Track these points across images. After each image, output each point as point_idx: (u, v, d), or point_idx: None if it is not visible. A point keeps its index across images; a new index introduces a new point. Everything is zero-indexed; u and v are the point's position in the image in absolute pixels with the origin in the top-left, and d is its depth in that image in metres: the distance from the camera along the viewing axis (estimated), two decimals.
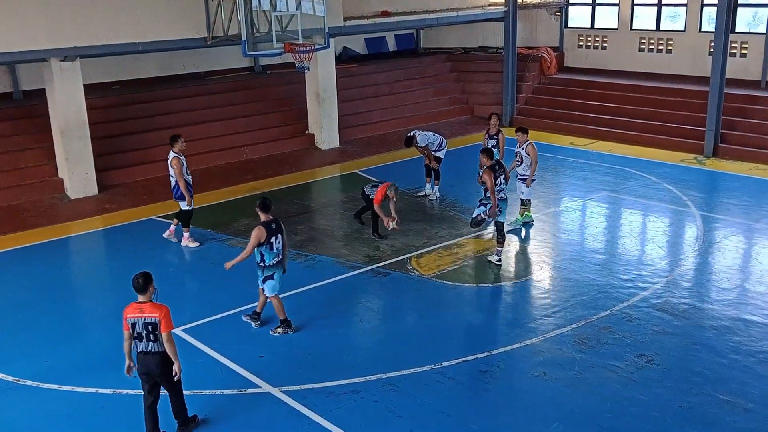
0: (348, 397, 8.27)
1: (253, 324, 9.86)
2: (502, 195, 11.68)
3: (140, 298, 7.15)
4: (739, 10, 20.20)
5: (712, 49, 18.33)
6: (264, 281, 9.43)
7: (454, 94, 23.49)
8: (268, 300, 9.66)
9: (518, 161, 13.08)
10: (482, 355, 9.10)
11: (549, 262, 12.11)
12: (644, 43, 22.45)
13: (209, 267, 11.90)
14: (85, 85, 15.63)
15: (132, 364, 7.34)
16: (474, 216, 12.20)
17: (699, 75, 20.45)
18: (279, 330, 9.67)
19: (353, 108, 21.16)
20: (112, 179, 16.46)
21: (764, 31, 20.00)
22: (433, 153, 14.87)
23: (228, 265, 9.40)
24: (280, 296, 9.68)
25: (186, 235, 12.84)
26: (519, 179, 13.14)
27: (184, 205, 12.63)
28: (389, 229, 12.70)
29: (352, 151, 19.29)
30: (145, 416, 7.44)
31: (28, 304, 10.91)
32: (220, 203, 15.22)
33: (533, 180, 13.12)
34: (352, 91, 21.60)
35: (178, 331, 9.47)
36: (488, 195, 11.56)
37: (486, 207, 11.74)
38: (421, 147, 14.86)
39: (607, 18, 23.40)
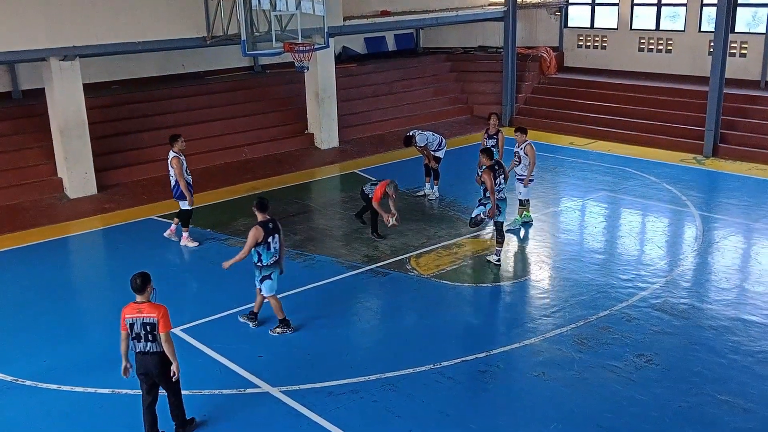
0: (347, 396, 8.27)
1: (251, 324, 9.86)
2: (502, 195, 11.68)
3: (138, 298, 7.14)
4: (739, 9, 20.21)
5: (711, 49, 18.33)
6: (261, 281, 9.43)
7: (454, 94, 23.49)
8: (266, 300, 9.66)
9: (516, 161, 13.08)
10: (481, 355, 9.09)
11: (548, 262, 12.11)
12: (644, 42, 22.46)
13: (208, 267, 11.89)
14: (84, 85, 15.63)
15: (129, 366, 7.33)
16: (473, 216, 12.20)
17: (699, 75, 20.46)
18: (278, 330, 9.66)
19: (353, 108, 21.16)
20: (111, 179, 16.45)
21: (764, 31, 20.00)
22: (432, 153, 14.86)
23: (226, 264, 9.40)
24: (278, 296, 9.67)
25: (185, 234, 12.84)
26: (517, 179, 13.14)
27: (183, 205, 12.63)
28: (389, 225, 12.71)
29: (351, 150, 19.29)
30: (144, 416, 7.43)
31: (27, 303, 10.90)
32: (220, 203, 15.22)
33: (531, 180, 13.11)
34: (351, 91, 21.60)
35: (177, 330, 9.46)
36: (488, 195, 11.56)
37: (485, 207, 11.74)
38: (420, 147, 14.85)
39: (606, 18, 23.41)
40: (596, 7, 23.60)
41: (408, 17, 21.18)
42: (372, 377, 8.62)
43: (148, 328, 7.06)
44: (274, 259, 9.34)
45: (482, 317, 10.61)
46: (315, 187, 16.83)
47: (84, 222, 14.36)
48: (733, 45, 19.73)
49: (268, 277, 9.40)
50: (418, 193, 15.26)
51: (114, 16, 15.29)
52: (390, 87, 22.78)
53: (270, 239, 9.21)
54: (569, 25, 24.24)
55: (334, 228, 13.84)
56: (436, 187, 15.13)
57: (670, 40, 21.93)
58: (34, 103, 17.15)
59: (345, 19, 19.00)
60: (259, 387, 8.52)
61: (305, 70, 15.47)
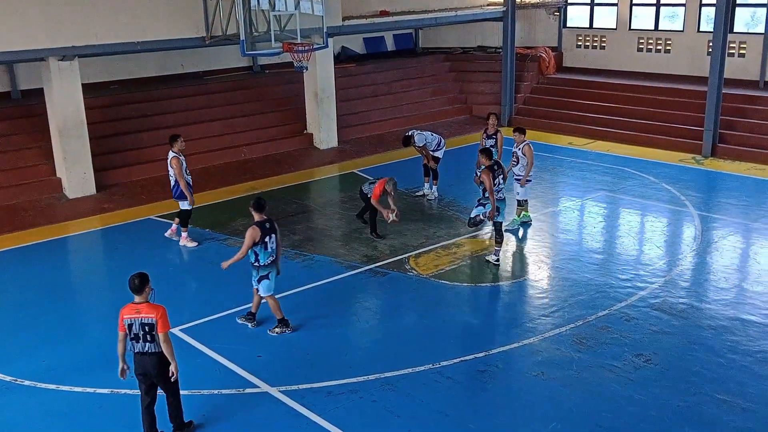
0: (346, 396, 8.27)
1: (249, 325, 9.86)
2: (501, 195, 11.69)
3: (137, 298, 7.13)
4: (738, 10, 20.23)
5: (710, 49, 18.34)
6: (259, 281, 9.43)
7: (453, 94, 23.50)
8: (263, 300, 9.67)
9: (515, 161, 13.09)
10: (480, 354, 9.10)
11: (547, 261, 12.12)
12: (643, 43, 22.47)
13: (207, 267, 11.89)
14: (83, 85, 15.63)
15: (126, 367, 7.32)
16: (473, 216, 12.21)
17: (697, 75, 20.48)
18: (277, 330, 9.66)
19: (352, 108, 21.16)
20: (110, 179, 16.45)
21: (762, 31, 20.01)
22: (431, 153, 14.87)
23: (224, 264, 9.41)
24: (277, 296, 9.67)
25: (184, 234, 12.84)
26: (515, 179, 13.14)
27: (183, 205, 12.63)
28: (389, 221, 12.72)
29: (350, 150, 19.29)
30: (143, 417, 7.43)
31: (26, 303, 10.90)
32: (219, 203, 15.22)
33: (528, 180, 13.12)
34: (350, 91, 21.61)
35: (176, 330, 9.47)
36: (487, 195, 11.56)
37: (485, 207, 11.75)
38: (419, 147, 14.85)
39: (605, 18, 23.42)
40: (595, 7, 23.61)
41: (407, 17, 21.19)
42: (371, 377, 8.62)
43: (146, 328, 7.05)
44: (271, 259, 9.34)
45: (481, 317, 10.61)
46: (314, 187, 16.84)
47: (83, 222, 14.35)
48: (731, 45, 19.75)
49: (266, 277, 9.40)
50: (417, 193, 15.26)
51: (113, 16, 15.29)
52: (389, 87, 22.79)
53: (267, 239, 9.21)
54: (568, 25, 24.25)
55: (333, 228, 13.84)
56: (435, 187, 15.14)
57: (669, 40, 21.94)
58: (33, 103, 17.15)
59: (344, 19, 19.00)
60: (258, 387, 8.52)
61: (304, 70, 15.47)
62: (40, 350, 9.49)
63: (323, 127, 19.39)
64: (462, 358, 9.02)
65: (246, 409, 8.12)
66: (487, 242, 12.63)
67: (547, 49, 23.64)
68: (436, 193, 15.13)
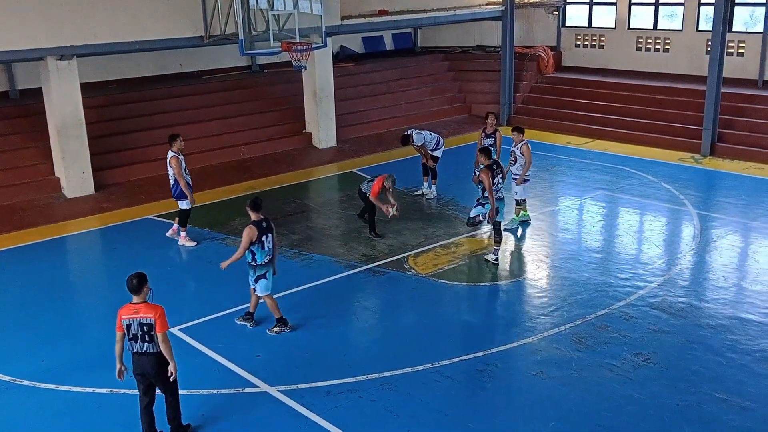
0: (345, 396, 8.27)
1: (248, 325, 9.85)
2: (500, 195, 11.68)
3: (135, 298, 7.11)
4: (737, 9, 20.23)
5: (709, 48, 18.34)
6: (256, 281, 9.42)
7: (452, 93, 23.49)
8: (261, 300, 9.66)
9: (513, 160, 13.09)
10: (479, 354, 9.10)
11: (546, 261, 12.12)
12: (641, 42, 22.47)
13: (206, 266, 11.88)
14: (81, 84, 15.61)
15: (124, 368, 7.30)
16: (472, 216, 12.20)
17: (696, 74, 20.48)
18: (276, 329, 9.66)
19: (350, 107, 21.15)
20: (109, 178, 16.44)
21: (761, 31, 20.01)
22: (430, 152, 14.86)
23: (223, 265, 9.41)
24: (276, 296, 9.67)
25: (183, 234, 12.83)
26: (513, 178, 13.13)
27: (183, 205, 12.63)
28: (390, 216, 12.71)
29: (349, 150, 19.29)
30: (141, 417, 7.42)
31: (25, 303, 10.89)
32: (217, 202, 15.21)
33: (526, 180, 13.12)
34: (349, 90, 21.59)
35: (175, 330, 9.47)
36: (486, 195, 11.56)
37: (484, 207, 11.74)
38: (417, 146, 14.85)
39: (604, 17, 23.42)
40: (594, 7, 23.60)
41: (406, 17, 21.17)
42: (370, 376, 8.61)
43: (145, 328, 7.04)
44: (268, 258, 9.35)
45: (480, 316, 10.61)
46: (313, 187, 16.83)
47: (81, 222, 14.34)
48: (730, 44, 19.74)
49: (263, 276, 9.40)
50: (416, 193, 15.26)
51: (112, 16, 15.27)
52: (388, 86, 22.78)
53: (264, 238, 9.22)
54: (567, 24, 24.25)
55: (332, 227, 13.84)
56: (434, 187, 15.14)
57: (668, 39, 21.94)
58: (31, 102, 17.13)
59: (343, 18, 18.99)
60: (257, 386, 8.52)
61: (303, 70, 15.47)
62: (39, 350, 9.48)
63: (322, 126, 19.38)
64: (461, 358, 9.01)
65: (245, 409, 8.11)
66: (486, 242, 12.63)
67: (545, 48, 23.63)
68: (435, 193, 15.12)
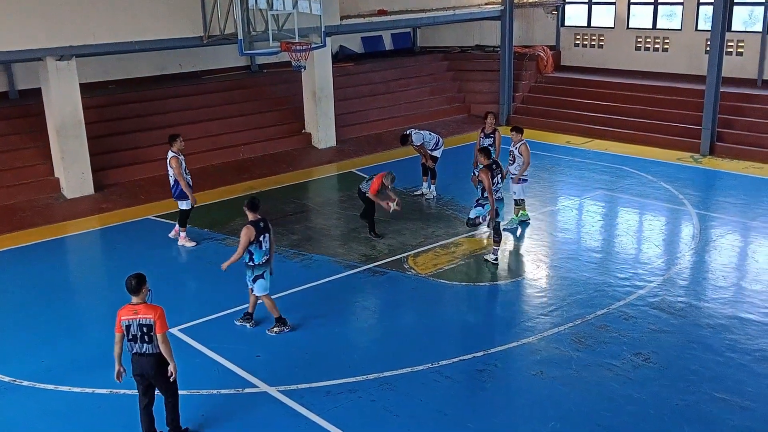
0: (345, 396, 8.27)
1: (248, 325, 9.85)
2: (499, 195, 11.68)
3: (134, 299, 7.10)
4: (735, 8, 20.22)
5: (708, 48, 18.34)
6: (254, 281, 9.43)
7: (451, 93, 23.49)
8: (260, 301, 9.66)
9: (511, 160, 13.10)
10: (479, 354, 9.10)
11: (545, 260, 12.12)
12: (641, 41, 22.48)
13: (206, 267, 11.89)
14: (81, 84, 15.60)
15: (122, 370, 7.30)
16: (472, 217, 12.18)
17: (695, 73, 20.48)
18: (275, 329, 9.66)
19: (350, 107, 21.16)
20: (109, 179, 16.43)
21: (760, 30, 20.03)
22: (429, 152, 14.87)
23: (224, 266, 9.42)
24: (275, 296, 9.67)
25: (182, 234, 12.83)
26: (511, 178, 13.13)
27: (182, 205, 12.63)
28: (391, 210, 12.72)
29: (348, 150, 19.29)
30: (141, 418, 7.41)
31: (24, 304, 10.89)
32: (217, 202, 15.21)
33: (524, 180, 13.11)
34: (348, 90, 21.59)
35: (175, 330, 9.47)
36: (485, 195, 11.56)
37: (483, 208, 11.74)
38: (416, 146, 14.86)
39: (603, 17, 23.42)
40: (593, 6, 23.60)
41: (405, 16, 21.16)
42: (370, 376, 8.62)
43: (144, 329, 7.03)
44: (265, 258, 9.36)
45: (480, 316, 10.61)
46: (312, 187, 16.83)
47: (81, 222, 14.34)
48: (729, 44, 19.75)
49: (261, 276, 9.41)
50: (415, 193, 15.26)
51: (111, 16, 15.27)
52: (387, 86, 22.77)
53: (261, 238, 9.25)
54: (566, 24, 24.24)
55: (332, 227, 13.84)
56: (433, 187, 15.14)
57: (667, 38, 21.95)
58: (30, 102, 17.12)
59: (342, 18, 18.98)
60: (257, 387, 8.52)
61: (302, 70, 15.47)
62: (39, 350, 9.48)
63: (321, 126, 19.38)
64: (461, 358, 9.02)
65: (245, 409, 8.11)
66: (486, 241, 12.63)
67: (545, 48, 23.64)
68: (434, 193, 15.13)
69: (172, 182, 12.47)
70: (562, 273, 11.49)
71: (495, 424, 7.80)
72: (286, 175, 17.16)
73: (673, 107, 19.74)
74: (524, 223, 13.48)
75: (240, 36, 14.40)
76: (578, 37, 23.86)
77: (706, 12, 20.29)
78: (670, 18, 22.21)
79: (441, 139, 15.09)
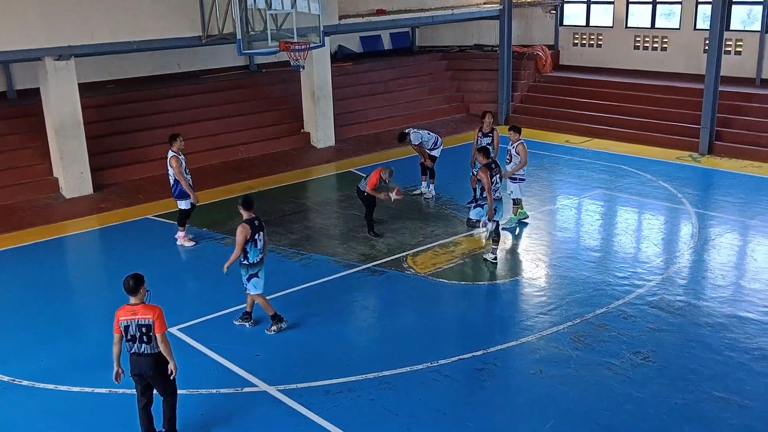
0: (344, 395, 8.27)
1: (247, 325, 9.85)
2: (498, 195, 11.69)
3: (132, 300, 7.08)
4: (734, 7, 20.23)
5: (706, 47, 18.35)
6: (248, 279, 9.43)
7: (450, 93, 23.50)
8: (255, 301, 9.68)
9: (508, 159, 13.11)
10: (478, 353, 9.10)
11: (544, 260, 12.12)
12: (639, 41, 22.49)
13: (205, 266, 11.89)
14: (79, 84, 15.60)
15: (121, 371, 7.29)
16: (474, 219, 12.16)
17: (694, 73, 20.50)
18: (273, 328, 9.66)
19: (349, 106, 21.16)
20: (107, 178, 16.43)
21: (759, 29, 20.04)
22: (428, 151, 14.87)
23: (225, 267, 9.40)
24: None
25: (182, 234, 12.83)
26: (509, 178, 13.12)
27: (182, 205, 12.63)
28: (392, 200, 12.72)
29: (347, 149, 19.29)
30: (140, 418, 7.41)
31: (23, 303, 10.89)
32: (216, 202, 15.20)
33: (522, 179, 13.10)
34: (347, 90, 21.59)
35: (174, 330, 9.47)
36: (484, 195, 11.56)
37: (483, 208, 11.73)
38: (415, 145, 14.87)
39: (602, 16, 23.43)
40: (591, 5, 23.61)
41: (403, 16, 21.16)
42: (369, 376, 8.62)
43: (143, 329, 7.01)
44: (260, 256, 9.38)
45: (479, 315, 10.60)
46: (311, 186, 16.83)
47: (80, 222, 14.33)
48: (728, 43, 19.76)
49: (255, 275, 9.42)
50: (414, 192, 15.26)
51: (109, 16, 15.27)
52: (386, 86, 22.78)
53: (257, 236, 9.27)
54: (565, 23, 24.26)
55: (331, 227, 13.84)
56: (432, 186, 15.14)
57: (666, 38, 21.96)
58: (29, 102, 17.12)
59: (340, 17, 18.99)
60: (257, 386, 8.52)
61: (301, 69, 15.47)
62: (39, 350, 9.48)
63: (320, 125, 19.38)
64: (460, 357, 9.02)
65: (244, 409, 8.11)
66: (485, 241, 12.63)
67: (543, 47, 23.64)
68: (433, 192, 15.13)
69: (172, 182, 12.47)
70: (561, 272, 11.49)
71: (494, 423, 7.81)
72: (285, 174, 17.16)
73: (671, 106, 19.76)
74: (523, 222, 13.48)
75: (238, 36, 14.41)
76: (577, 36, 23.87)
77: (705, 11, 20.32)
78: (669, 17, 22.23)
79: (440, 139, 15.10)
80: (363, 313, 10.56)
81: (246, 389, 8.47)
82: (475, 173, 12.17)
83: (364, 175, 13.35)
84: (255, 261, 9.34)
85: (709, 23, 17.91)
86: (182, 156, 12.42)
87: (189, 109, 19.05)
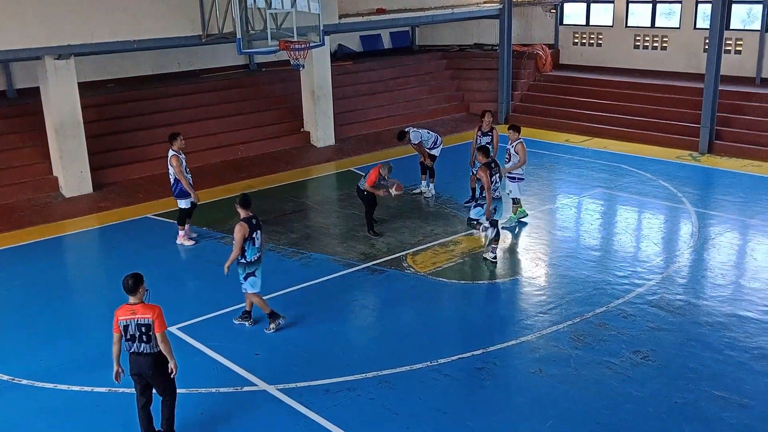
0: (344, 394, 8.27)
1: (247, 324, 9.85)
2: (497, 194, 11.68)
3: (131, 299, 7.07)
4: (734, 7, 20.22)
5: (706, 46, 18.35)
6: (246, 278, 9.43)
7: (450, 92, 23.49)
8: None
9: (507, 158, 13.11)
10: (478, 352, 9.10)
11: (544, 259, 12.12)
12: (639, 40, 22.48)
13: (204, 265, 11.89)
14: (79, 83, 15.60)
15: (121, 370, 7.28)
16: (473, 218, 12.15)
17: (694, 72, 20.50)
18: (272, 326, 9.66)
19: (348, 105, 21.16)
20: (107, 177, 16.43)
21: (759, 28, 20.03)
22: (428, 150, 14.87)
23: (226, 268, 9.39)
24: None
25: (181, 233, 12.83)
26: (508, 177, 13.12)
27: (182, 204, 12.63)
28: (393, 196, 12.71)
29: (347, 148, 19.29)
30: (139, 417, 7.40)
31: (23, 303, 10.88)
32: (215, 201, 15.18)
33: (521, 179, 13.10)
34: (347, 89, 21.59)
35: (174, 329, 9.48)
36: (484, 194, 11.56)
37: (483, 207, 11.73)
38: (414, 144, 14.87)
39: (602, 15, 23.42)
40: (591, 5, 23.60)
41: (403, 15, 21.13)
42: (369, 375, 8.62)
43: (143, 329, 7.00)
44: (257, 255, 9.38)
45: (479, 314, 10.59)
46: (311, 185, 16.83)
47: (80, 221, 14.33)
48: (728, 42, 19.75)
49: (252, 274, 9.43)
50: (414, 191, 15.26)
51: (109, 15, 15.26)
52: (386, 85, 22.78)
53: (254, 235, 9.27)
54: (565, 22, 24.25)
55: (331, 226, 13.84)
56: (432, 185, 15.14)
57: (666, 37, 21.96)
58: (29, 101, 17.12)
59: (340, 17, 18.98)
60: (256, 385, 8.52)
61: (301, 68, 15.47)
62: (38, 349, 9.48)
63: (320, 125, 19.38)
64: (460, 356, 9.02)
65: (244, 408, 8.11)
66: (485, 240, 12.62)
67: (543, 46, 23.64)
68: (433, 191, 15.13)
69: (172, 181, 12.46)
70: (560, 271, 11.49)
71: (494, 422, 7.81)
72: (285, 173, 17.16)
73: (671, 105, 19.75)
74: (522, 221, 13.48)
75: (238, 35, 14.40)
76: (577, 35, 23.86)
77: (705, 10, 20.31)
78: (669, 16, 22.22)
79: (439, 138, 15.10)
80: (363, 312, 10.56)
81: (246, 388, 8.47)
82: (475, 172, 12.15)
83: (364, 174, 13.36)
84: (253, 259, 9.34)
85: (709, 22, 17.91)
86: (183, 155, 12.42)
87: (189, 108, 19.05)
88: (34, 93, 16.50)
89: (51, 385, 8.63)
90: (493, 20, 22.46)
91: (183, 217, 12.77)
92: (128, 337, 7.06)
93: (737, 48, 20.38)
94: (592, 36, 23.56)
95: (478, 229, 12.08)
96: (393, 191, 12.71)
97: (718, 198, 14.86)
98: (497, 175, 11.67)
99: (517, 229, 13.27)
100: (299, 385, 8.45)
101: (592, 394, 8.20)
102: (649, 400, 8.06)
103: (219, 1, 15.81)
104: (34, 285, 11.47)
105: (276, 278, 10.91)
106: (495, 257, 11.77)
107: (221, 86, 20.37)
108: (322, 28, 15.57)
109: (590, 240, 12.89)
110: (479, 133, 14.10)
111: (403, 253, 12.22)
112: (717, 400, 8.06)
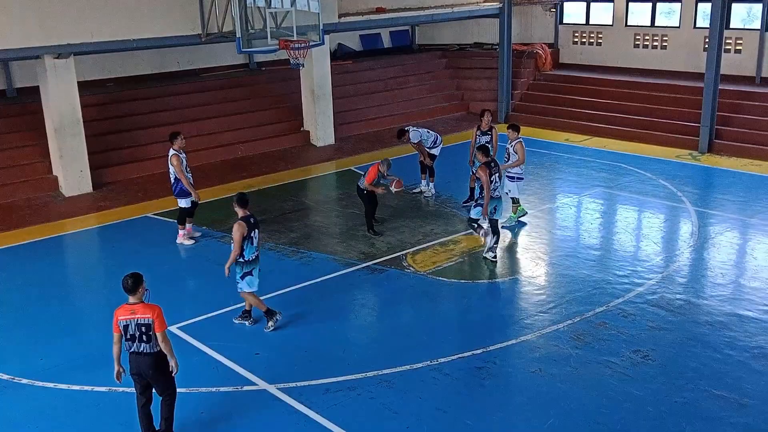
0: (344, 394, 8.27)
1: (247, 323, 9.85)
2: (497, 194, 11.68)
3: (131, 299, 7.06)
4: (734, 6, 20.22)
5: (706, 46, 18.35)
6: (243, 277, 9.43)
7: (449, 91, 23.49)
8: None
9: (506, 158, 13.10)
10: (478, 351, 9.10)
11: (544, 258, 12.12)
12: (639, 39, 22.47)
13: (204, 264, 11.88)
14: (79, 82, 15.60)
15: (122, 370, 7.28)
16: (474, 217, 12.14)
17: (694, 71, 20.48)
18: (270, 324, 9.65)
19: (348, 105, 21.16)
20: (107, 177, 16.43)
21: (759, 27, 20.03)
22: (428, 150, 14.86)
23: (226, 270, 9.38)
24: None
25: (181, 232, 12.83)
26: (507, 177, 13.12)
27: (182, 203, 12.62)
28: (393, 192, 12.71)
29: (347, 147, 19.28)
30: (139, 417, 7.40)
31: (23, 302, 10.88)
32: (215, 200, 15.17)
33: (520, 178, 13.09)
34: (347, 88, 21.58)
35: (173, 328, 9.47)
36: (483, 194, 11.55)
37: (482, 207, 11.72)
38: (414, 143, 14.86)
39: (602, 14, 23.41)
40: (591, 4, 23.59)
41: (403, 14, 21.11)
42: (369, 374, 8.62)
43: (143, 329, 7.00)
44: (255, 254, 9.38)
45: (478, 314, 10.59)
46: (311, 185, 16.83)
47: (79, 220, 14.33)
48: (728, 41, 19.75)
49: (249, 273, 9.42)
50: (413, 190, 15.25)
51: (109, 14, 15.26)
52: (385, 84, 22.78)
53: (252, 234, 9.28)
54: (564, 21, 24.24)
55: (331, 225, 13.84)
56: (431, 184, 15.14)
57: (666, 36, 21.95)
58: (28, 101, 17.12)
59: (340, 16, 18.97)
60: (256, 384, 8.52)
61: (300, 68, 15.47)
62: (37, 349, 9.47)
63: (320, 124, 19.38)
64: (460, 355, 9.02)
65: (244, 407, 8.11)
66: (484, 239, 12.61)
67: (543, 45, 23.64)
68: (432, 190, 15.13)
69: (172, 180, 12.46)
70: (560, 270, 11.49)
71: (494, 421, 7.81)
72: (285, 172, 17.16)
73: (671, 105, 19.75)
74: (522, 220, 13.47)
75: (238, 34, 14.40)
76: (577, 34, 23.85)
77: (705, 9, 20.29)
78: (669, 15, 22.21)
79: (439, 137, 15.09)
80: (363, 311, 10.56)
81: (246, 388, 8.47)
82: (474, 172, 12.15)
83: (363, 173, 13.36)
84: (251, 258, 9.34)
85: (708, 21, 17.90)
86: (183, 154, 12.42)
87: (189, 107, 19.05)
88: (33, 92, 16.50)
89: (51, 385, 8.62)
90: (493, 19, 22.46)
91: (183, 216, 12.77)
92: (128, 336, 7.06)
93: (737, 47, 20.37)
94: (592, 35, 23.55)
95: (479, 233, 12.07)
96: (393, 188, 12.72)
97: (718, 197, 14.86)
98: (497, 174, 11.67)
99: (516, 229, 13.26)
100: (299, 384, 8.45)
101: (592, 394, 8.21)
102: (649, 400, 8.06)
103: (219, 0, 15.80)
104: (34, 284, 11.46)
105: (276, 277, 10.92)
106: (495, 256, 11.77)
107: (221, 85, 20.37)
108: (321, 27, 15.56)
109: (590, 239, 12.89)
110: (478, 133, 14.10)
111: (403, 252, 12.22)
112: (717, 399, 8.06)
